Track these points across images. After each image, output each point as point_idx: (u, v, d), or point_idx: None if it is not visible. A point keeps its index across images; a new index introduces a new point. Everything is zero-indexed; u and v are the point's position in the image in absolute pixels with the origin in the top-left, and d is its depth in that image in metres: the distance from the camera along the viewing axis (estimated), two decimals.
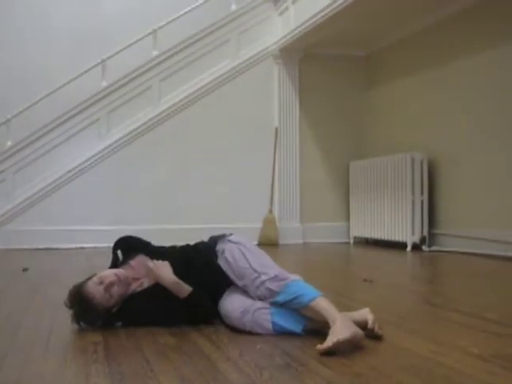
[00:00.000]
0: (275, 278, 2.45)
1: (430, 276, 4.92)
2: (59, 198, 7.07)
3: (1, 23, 8.22)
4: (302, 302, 2.36)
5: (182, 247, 2.84)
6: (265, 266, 2.52)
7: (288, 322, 2.43)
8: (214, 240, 2.77)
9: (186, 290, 2.57)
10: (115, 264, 2.78)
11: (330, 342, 2.12)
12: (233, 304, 2.51)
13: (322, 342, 2.15)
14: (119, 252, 2.75)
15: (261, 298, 2.48)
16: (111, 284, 2.54)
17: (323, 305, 2.32)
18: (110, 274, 2.59)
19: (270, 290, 2.43)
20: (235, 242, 2.65)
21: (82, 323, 2.59)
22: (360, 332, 2.22)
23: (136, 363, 2.10)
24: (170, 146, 7.39)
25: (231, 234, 2.75)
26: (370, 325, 2.36)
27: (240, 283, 2.54)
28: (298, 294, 2.38)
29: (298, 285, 2.43)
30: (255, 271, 2.49)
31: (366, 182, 7.18)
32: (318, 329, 2.42)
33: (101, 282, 2.54)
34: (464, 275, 4.67)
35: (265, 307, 2.44)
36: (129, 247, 2.80)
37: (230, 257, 2.57)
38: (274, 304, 2.43)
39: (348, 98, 7.90)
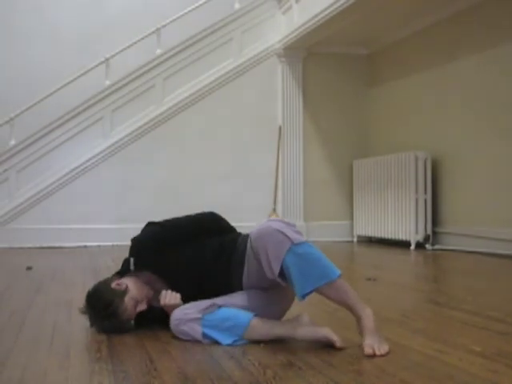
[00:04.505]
0: (298, 232, 2.29)
1: (433, 275, 4.92)
2: (63, 197, 7.08)
3: (4, 23, 8.22)
4: (328, 274, 2.20)
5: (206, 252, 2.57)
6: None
7: (218, 334, 2.32)
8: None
9: None
10: (126, 270, 2.61)
11: (376, 348, 2.11)
12: (174, 313, 2.41)
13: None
14: (132, 261, 2.57)
15: (261, 239, 2.26)
16: (141, 311, 2.50)
17: (349, 288, 2.25)
18: (143, 298, 2.49)
19: (283, 234, 2.22)
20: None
21: (99, 327, 2.54)
22: None
23: (139, 361, 2.10)
24: (173, 145, 7.40)
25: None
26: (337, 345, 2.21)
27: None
28: (323, 260, 2.25)
29: (322, 255, 2.29)
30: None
31: (370, 180, 7.18)
32: (255, 340, 2.30)
33: (135, 305, 2.47)
34: (468, 274, 4.66)
35: (197, 317, 2.35)
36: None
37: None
38: (290, 254, 2.21)
39: (351, 97, 7.89)
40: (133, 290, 2.48)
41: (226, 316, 2.34)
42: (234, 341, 2.30)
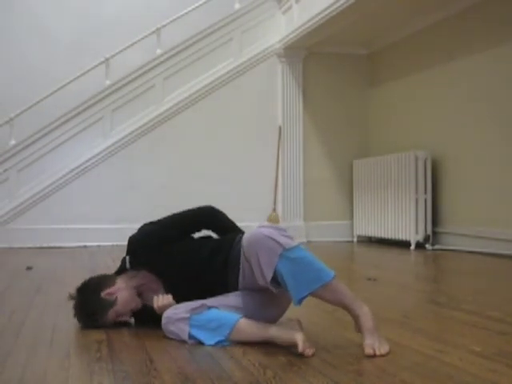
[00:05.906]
0: (288, 236, 2.25)
1: (433, 275, 4.92)
2: (63, 197, 7.07)
3: (4, 22, 8.23)
4: (321, 277, 2.16)
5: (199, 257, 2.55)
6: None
7: (204, 334, 2.32)
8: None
9: None
10: (123, 268, 2.65)
11: (376, 348, 2.11)
12: (165, 312, 2.41)
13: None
14: (127, 259, 2.61)
15: (252, 246, 2.23)
16: (139, 309, 2.58)
17: (345, 288, 2.22)
18: (127, 312, 2.57)
19: (274, 240, 2.18)
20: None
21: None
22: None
23: (140, 362, 2.10)
24: (173, 145, 7.40)
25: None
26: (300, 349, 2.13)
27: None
28: (316, 264, 2.19)
29: (315, 258, 2.23)
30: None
31: (370, 180, 7.18)
32: (240, 342, 2.28)
33: (116, 317, 2.56)
34: (468, 274, 4.66)
35: (185, 317, 2.35)
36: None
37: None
38: (282, 260, 2.16)
39: (351, 97, 7.89)
40: (120, 303, 2.52)
41: (213, 317, 2.33)
42: (218, 341, 2.29)
